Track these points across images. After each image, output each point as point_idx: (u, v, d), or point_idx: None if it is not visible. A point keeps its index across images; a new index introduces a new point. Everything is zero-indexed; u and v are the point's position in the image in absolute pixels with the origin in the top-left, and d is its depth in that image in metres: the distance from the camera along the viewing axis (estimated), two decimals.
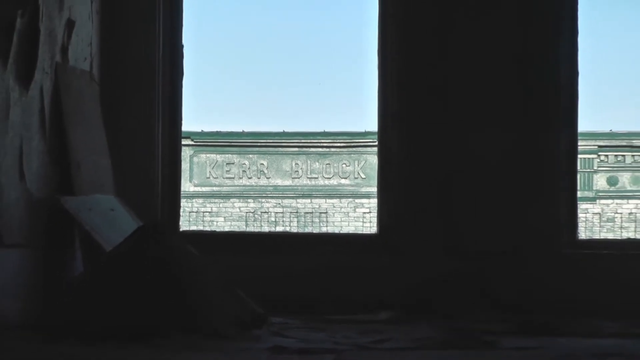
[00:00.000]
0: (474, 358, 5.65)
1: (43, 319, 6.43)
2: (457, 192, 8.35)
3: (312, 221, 27.28)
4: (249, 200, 27.45)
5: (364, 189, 26.72)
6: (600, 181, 26.98)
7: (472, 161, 8.34)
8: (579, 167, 8.76)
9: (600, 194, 26.92)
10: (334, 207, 27.37)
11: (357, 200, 27.22)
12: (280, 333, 6.65)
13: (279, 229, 26.90)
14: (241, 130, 27.77)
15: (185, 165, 24.89)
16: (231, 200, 27.42)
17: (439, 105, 8.40)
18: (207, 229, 25.51)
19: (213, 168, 27.44)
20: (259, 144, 27.47)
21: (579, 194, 8.76)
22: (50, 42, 7.40)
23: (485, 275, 8.19)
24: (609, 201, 27.01)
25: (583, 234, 23.18)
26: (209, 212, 27.32)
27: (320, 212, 27.38)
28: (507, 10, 8.37)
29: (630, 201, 26.99)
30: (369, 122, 26.62)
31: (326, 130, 27.50)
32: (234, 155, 27.46)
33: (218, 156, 27.42)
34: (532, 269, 8.21)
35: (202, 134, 27.08)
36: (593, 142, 26.08)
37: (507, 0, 8.37)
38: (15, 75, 6.86)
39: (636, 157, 26.93)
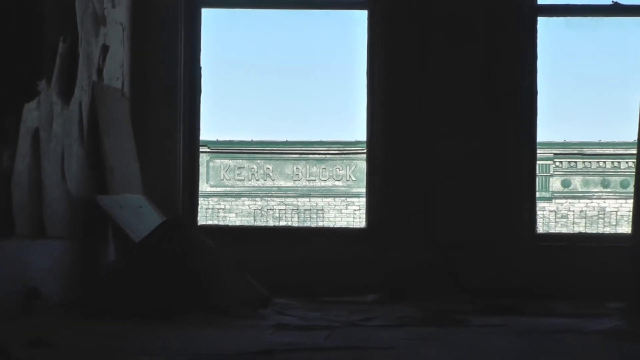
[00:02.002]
0: (447, 333, 5.65)
1: (81, 299, 6.44)
2: (434, 193, 8.34)
3: (310, 217, 27.25)
4: (257, 199, 27.41)
5: (354, 190, 26.68)
6: (555, 183, 26.96)
7: (447, 166, 8.34)
8: (537, 172, 8.76)
9: (555, 194, 26.91)
10: (329, 205, 27.34)
11: (348, 199, 27.17)
12: (283, 312, 6.65)
13: (282, 223, 26.87)
14: (250, 140, 27.74)
15: (202, 169, 24.86)
16: (241, 199, 27.37)
17: (419, 119, 8.39)
18: (221, 223, 25.47)
19: (226, 171, 27.39)
20: (265, 151, 27.43)
21: (537, 194, 8.76)
22: (88, 64, 7.41)
23: (458, 264, 8.19)
24: (563, 200, 27.00)
25: (541, 228, 23.16)
26: (223, 209, 27.28)
27: (317, 210, 27.35)
28: (477, 40, 8.38)
29: (581, 201, 26.99)
30: (359, 132, 26.59)
31: (322, 140, 27.48)
32: (244, 161, 27.42)
33: (230, 161, 27.38)
34: (498, 258, 8.21)
35: (217, 142, 27.03)
36: (549, 150, 26.06)
37: (478, 31, 8.37)
38: (58, 91, 6.86)
39: (586, 163, 26.92)
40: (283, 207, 27.49)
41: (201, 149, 9.12)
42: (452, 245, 8.22)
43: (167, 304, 6.14)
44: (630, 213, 7.15)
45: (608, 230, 26.00)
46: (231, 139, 27.67)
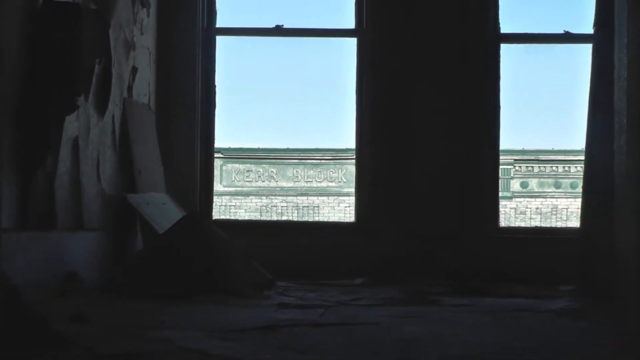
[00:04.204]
0: (423, 311, 5.64)
1: (113, 282, 6.43)
2: (413, 192, 8.35)
3: (308, 212, 27.23)
4: (263, 197, 27.37)
5: (345, 190, 26.64)
6: (515, 185, 26.95)
7: (424, 170, 8.35)
8: (500, 175, 8.76)
9: (515, 194, 26.90)
10: (324, 202, 27.30)
11: (340, 198, 27.15)
12: (284, 293, 6.65)
13: (284, 218, 26.85)
14: (257, 147, 27.71)
15: (216, 172, 24.81)
16: (250, 197, 27.33)
17: (401, 129, 8.40)
18: (232, 218, 25.44)
19: (237, 174, 27.34)
20: (270, 156, 27.41)
21: (500, 194, 8.77)
22: (119, 83, 7.40)
23: (433, 253, 8.19)
24: (522, 199, 26.98)
25: (503, 222, 23.17)
26: (234, 205, 27.23)
27: (314, 206, 27.31)
28: (449, 64, 8.40)
29: (537, 199, 26.97)
30: (349, 141, 26.57)
31: (318, 147, 27.44)
32: (252, 165, 27.38)
33: (240, 165, 27.34)
34: (467, 248, 8.21)
35: (229, 149, 26.99)
36: (510, 157, 26.03)
37: (450, 57, 8.40)
38: (94, 106, 6.86)
39: (541, 168, 26.92)
40: (285, 204, 27.47)
41: (215, 155, 9.12)
42: (429, 237, 8.23)
43: (186, 286, 6.13)
44: (579, 210, 7.15)
45: (560, 224, 25.99)
46: (241, 147, 27.66)
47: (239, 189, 27.47)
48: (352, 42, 8.73)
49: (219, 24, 8.80)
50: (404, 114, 8.39)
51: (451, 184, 8.33)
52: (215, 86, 8.73)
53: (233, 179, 27.50)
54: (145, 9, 8.09)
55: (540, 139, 49.50)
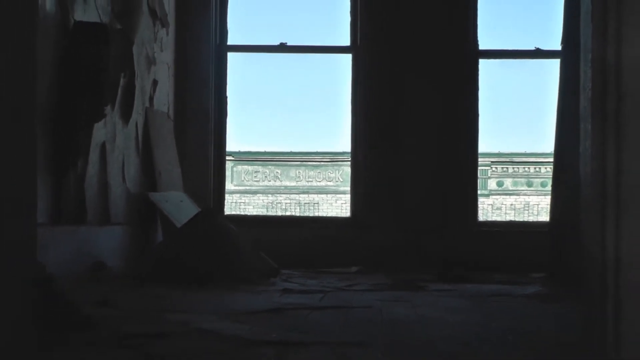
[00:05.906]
0: (411, 296, 5.64)
1: (136, 271, 6.42)
2: (402, 190, 8.34)
3: (309, 208, 27.22)
4: (269, 195, 27.37)
5: (342, 188, 26.63)
6: (492, 184, 26.95)
7: (412, 171, 8.34)
8: (479, 175, 8.76)
9: (492, 192, 26.90)
10: (323, 199, 27.30)
11: (337, 195, 27.14)
12: (288, 280, 6.65)
13: (288, 213, 26.83)
14: (264, 150, 27.73)
15: (227, 173, 24.78)
16: (257, 195, 27.32)
17: (391, 135, 8.40)
18: (242, 213, 25.42)
19: (246, 174, 27.33)
20: (275, 159, 27.41)
21: (478, 191, 8.77)
22: (142, 94, 7.40)
23: (420, 244, 8.18)
24: (498, 197, 26.99)
25: (481, 217, 23.15)
26: (243, 202, 27.22)
27: (314, 203, 27.30)
28: (434, 77, 8.39)
29: (511, 197, 26.99)
30: (346, 144, 26.54)
31: (318, 151, 27.46)
32: (259, 166, 27.38)
33: (249, 167, 27.34)
34: (450, 240, 8.20)
35: (239, 152, 26.99)
36: (487, 159, 26.03)
37: (434, 70, 8.39)
38: (119, 114, 6.86)
39: (515, 168, 26.93)
40: (288, 201, 27.46)
41: (227, 158, 9.12)
42: (416, 230, 8.22)
43: (201, 274, 6.13)
44: (548, 206, 7.15)
45: (532, 219, 25.98)
46: (250, 150, 27.66)
47: (247, 187, 27.47)
48: (347, 58, 8.73)
49: (230, 41, 8.80)
50: (394, 121, 8.39)
51: (436, 183, 8.32)
52: (226, 97, 8.73)
53: (242, 179, 27.49)
54: (164, 29, 8.09)
55: (514, 143, 49.56)
